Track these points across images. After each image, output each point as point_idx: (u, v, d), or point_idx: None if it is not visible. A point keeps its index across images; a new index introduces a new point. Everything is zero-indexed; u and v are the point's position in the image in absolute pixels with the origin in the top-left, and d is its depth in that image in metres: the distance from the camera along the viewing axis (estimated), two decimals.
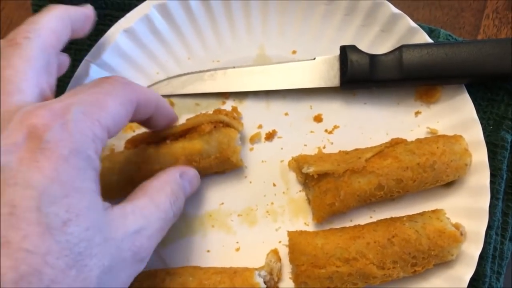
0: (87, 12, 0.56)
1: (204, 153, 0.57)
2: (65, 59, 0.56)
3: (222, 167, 0.60)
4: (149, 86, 0.65)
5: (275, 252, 0.60)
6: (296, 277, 0.55)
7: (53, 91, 0.48)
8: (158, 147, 0.58)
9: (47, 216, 0.34)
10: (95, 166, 0.40)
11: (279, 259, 0.59)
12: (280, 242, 0.60)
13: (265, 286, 0.54)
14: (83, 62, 0.63)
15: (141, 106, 0.47)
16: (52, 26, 0.48)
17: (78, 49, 0.67)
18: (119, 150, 0.63)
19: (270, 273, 0.57)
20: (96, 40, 0.64)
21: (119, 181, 0.58)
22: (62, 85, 0.66)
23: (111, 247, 0.39)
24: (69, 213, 0.35)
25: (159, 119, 0.54)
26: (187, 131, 0.59)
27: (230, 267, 0.57)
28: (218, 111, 0.60)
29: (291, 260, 0.57)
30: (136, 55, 0.65)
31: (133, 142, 0.60)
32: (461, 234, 0.55)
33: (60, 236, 0.34)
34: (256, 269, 0.55)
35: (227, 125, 0.58)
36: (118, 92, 0.44)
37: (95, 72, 0.63)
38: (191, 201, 0.62)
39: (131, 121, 0.50)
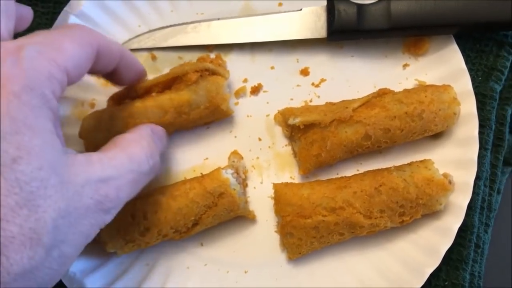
0: None
1: (193, 103, 0.56)
2: (28, 12, 0.51)
3: (212, 117, 0.58)
4: (130, 39, 0.63)
5: (235, 152, 0.59)
6: (281, 228, 0.54)
7: (11, 37, 0.45)
8: (144, 101, 0.56)
9: None
10: (51, 106, 0.38)
11: (241, 158, 0.59)
12: (265, 196, 0.59)
13: (235, 180, 0.54)
14: (62, 12, 0.61)
15: (103, 53, 0.45)
16: None
17: (57, 1, 0.65)
18: (99, 104, 0.61)
19: (236, 172, 0.56)
20: None
21: (107, 138, 0.55)
22: None
23: (69, 191, 0.36)
24: (20, 151, 0.34)
25: (125, 72, 0.52)
26: (172, 82, 0.57)
27: (196, 176, 0.56)
28: (202, 59, 0.59)
29: (277, 212, 0.56)
30: (116, 7, 0.63)
31: (117, 99, 0.58)
32: (450, 182, 0.54)
33: (9, 174, 0.33)
34: (221, 168, 0.55)
35: (213, 73, 0.57)
36: (76, 34, 0.42)
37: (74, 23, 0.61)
38: (174, 156, 0.60)
39: (95, 72, 0.47)
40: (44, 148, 0.35)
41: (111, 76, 0.52)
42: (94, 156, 0.41)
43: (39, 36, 0.40)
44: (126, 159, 0.44)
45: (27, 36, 0.40)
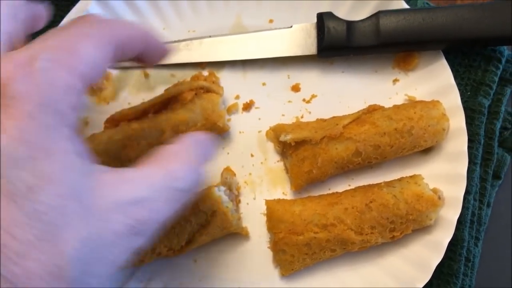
0: None
1: (190, 122, 0.56)
2: (40, 9, 0.47)
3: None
4: None
5: (228, 169, 0.60)
6: (274, 245, 0.55)
7: (22, 42, 0.42)
8: (141, 122, 0.56)
9: (10, 182, 0.30)
10: (69, 122, 0.34)
11: (234, 174, 0.59)
12: (258, 212, 0.59)
13: (227, 198, 0.54)
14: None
15: (124, 45, 0.40)
16: None
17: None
18: (93, 122, 0.62)
19: (229, 188, 0.57)
20: (68, 11, 0.62)
21: (105, 162, 0.56)
22: None
23: (93, 217, 0.33)
24: (37, 178, 0.31)
25: (150, 56, 0.46)
26: (168, 101, 0.58)
27: None
28: (196, 77, 0.60)
29: (269, 228, 0.56)
30: None
31: (113, 121, 0.59)
32: (439, 198, 0.54)
33: (26, 205, 0.30)
34: (214, 185, 0.55)
35: (207, 90, 0.58)
36: (92, 33, 0.37)
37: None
38: None
39: (119, 61, 0.43)
40: (64, 172, 0.32)
41: (135, 59, 0.46)
42: (126, 173, 0.37)
43: (52, 40, 0.36)
44: (163, 176, 0.38)
45: (39, 41, 0.36)
